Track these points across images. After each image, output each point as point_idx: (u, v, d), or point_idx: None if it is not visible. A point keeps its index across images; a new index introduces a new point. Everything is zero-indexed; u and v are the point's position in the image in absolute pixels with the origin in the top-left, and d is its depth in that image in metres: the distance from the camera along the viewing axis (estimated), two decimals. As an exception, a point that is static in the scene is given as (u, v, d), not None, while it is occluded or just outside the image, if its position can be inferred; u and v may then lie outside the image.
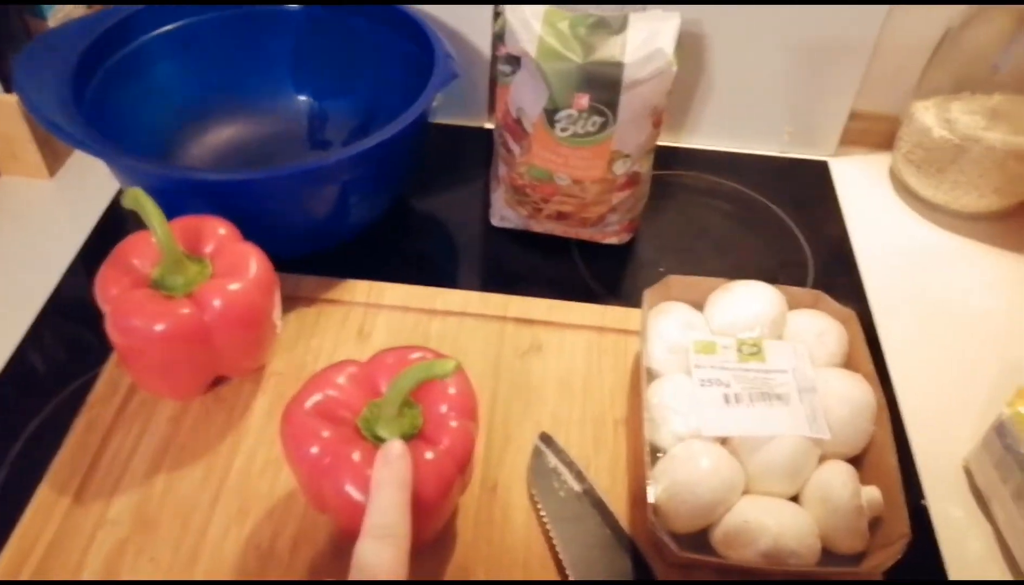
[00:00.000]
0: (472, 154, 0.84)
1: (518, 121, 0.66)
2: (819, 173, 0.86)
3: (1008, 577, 0.55)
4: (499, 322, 0.67)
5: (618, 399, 0.62)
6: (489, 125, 0.87)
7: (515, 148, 0.68)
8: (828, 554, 0.50)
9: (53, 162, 0.79)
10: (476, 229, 0.77)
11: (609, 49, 0.61)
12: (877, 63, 0.80)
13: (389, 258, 0.73)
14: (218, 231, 0.56)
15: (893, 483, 0.51)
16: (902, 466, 0.52)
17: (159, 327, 0.52)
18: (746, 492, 0.52)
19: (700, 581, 0.52)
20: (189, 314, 0.52)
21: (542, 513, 0.55)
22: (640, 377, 0.57)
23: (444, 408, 0.49)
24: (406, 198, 0.79)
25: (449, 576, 0.52)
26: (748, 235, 0.79)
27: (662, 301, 0.61)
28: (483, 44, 0.81)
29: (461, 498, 0.55)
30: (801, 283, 0.74)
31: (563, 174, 0.68)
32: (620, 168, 0.67)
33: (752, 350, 0.56)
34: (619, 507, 0.55)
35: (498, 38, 0.64)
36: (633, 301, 0.61)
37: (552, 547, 0.53)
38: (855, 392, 0.54)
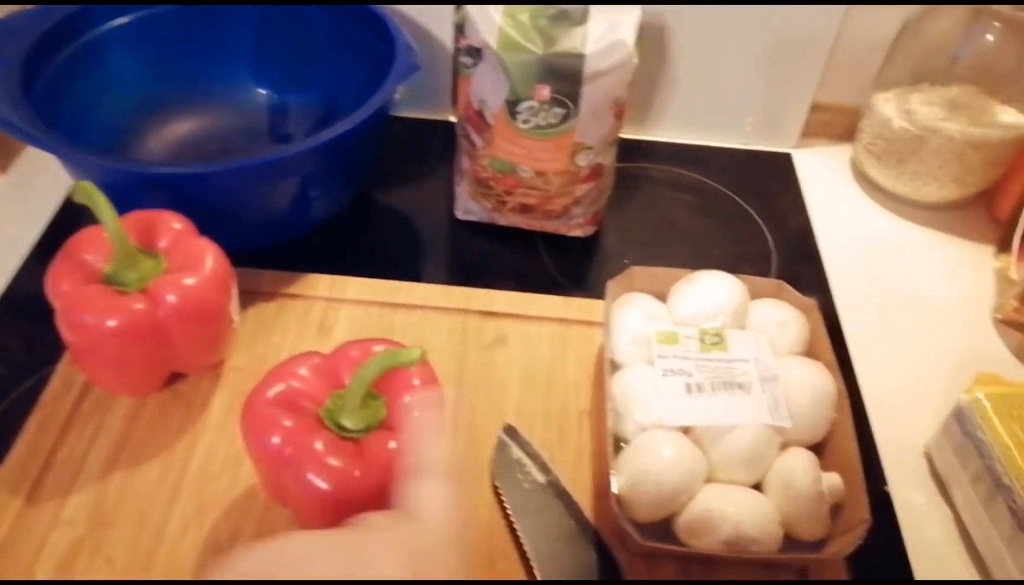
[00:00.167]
0: (436, 147, 0.83)
1: (480, 113, 0.66)
2: (782, 165, 0.87)
3: (967, 561, 0.56)
4: (462, 315, 0.66)
5: (583, 390, 0.62)
6: (453, 118, 0.86)
7: (477, 140, 0.68)
8: (790, 541, 0.50)
9: (5, 157, 0.77)
10: (441, 222, 0.77)
11: (570, 40, 0.61)
12: (838, 55, 0.81)
13: (352, 252, 0.72)
14: (172, 225, 0.55)
15: (854, 470, 0.51)
16: (864, 453, 0.53)
17: (112, 323, 0.51)
18: (709, 481, 0.52)
19: (665, 581, 0.52)
20: (143, 310, 0.51)
21: (506, 505, 0.54)
22: (603, 368, 0.56)
23: (408, 399, 0.48)
24: (369, 191, 0.78)
25: (412, 571, 0.52)
26: (712, 227, 0.79)
27: (626, 292, 0.61)
28: (446, 36, 0.81)
29: (425, 492, 0.55)
30: (765, 273, 0.74)
31: (526, 166, 0.67)
32: (583, 160, 0.67)
33: (714, 340, 0.56)
34: (584, 498, 0.55)
35: (458, 30, 0.64)
36: (598, 293, 0.61)
37: (516, 540, 0.53)
38: (816, 380, 0.54)
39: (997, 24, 0.72)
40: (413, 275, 0.70)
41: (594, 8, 0.62)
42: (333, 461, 0.45)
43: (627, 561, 0.52)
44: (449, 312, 0.66)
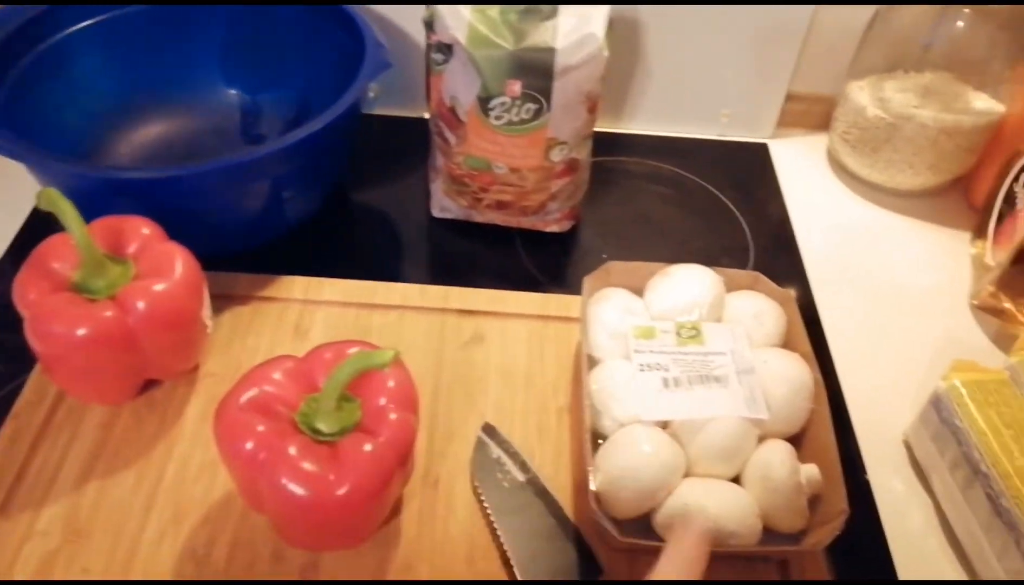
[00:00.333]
0: (412, 145, 0.82)
1: (452, 110, 0.65)
2: (759, 155, 0.87)
3: (947, 549, 0.56)
4: (440, 314, 0.66)
5: (561, 387, 0.62)
6: (428, 115, 0.86)
7: (451, 137, 0.67)
8: (769, 533, 0.50)
9: (-27, 165, 0.76)
10: (417, 221, 0.76)
11: (540, 35, 0.61)
12: (812, 44, 0.81)
13: (328, 253, 0.72)
14: (141, 231, 0.54)
15: (831, 460, 0.51)
16: (844, 442, 0.53)
17: (81, 331, 0.50)
18: (687, 475, 0.52)
19: (642, 581, 0.52)
20: (112, 317, 0.51)
21: (486, 505, 0.54)
22: (581, 365, 0.56)
23: (383, 401, 0.48)
24: (345, 191, 0.78)
25: (393, 573, 0.51)
26: (690, 219, 0.79)
27: (603, 288, 0.61)
28: (420, 33, 0.80)
29: (404, 494, 0.55)
30: (742, 265, 0.74)
31: (500, 163, 0.67)
32: (557, 155, 0.66)
33: (691, 333, 0.56)
34: (564, 495, 0.55)
35: (428, 26, 0.63)
36: (577, 289, 0.61)
37: (496, 539, 0.53)
38: (792, 371, 0.54)
39: (967, 10, 0.73)
40: (390, 275, 0.70)
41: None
42: (307, 465, 0.44)
43: (608, 558, 0.52)
44: (426, 311, 0.66)
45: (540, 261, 0.73)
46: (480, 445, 0.57)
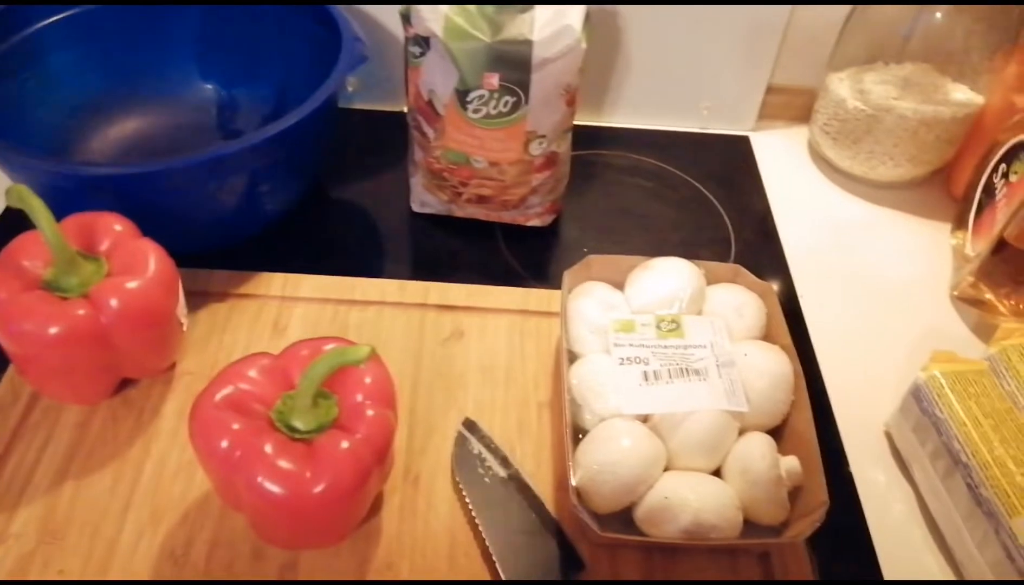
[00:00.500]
0: (391, 139, 0.82)
1: (430, 103, 0.65)
2: (740, 148, 0.86)
3: (928, 539, 0.56)
4: (419, 310, 0.65)
5: (542, 382, 0.61)
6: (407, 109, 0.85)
7: (429, 131, 0.67)
8: (750, 526, 0.50)
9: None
10: (397, 216, 0.76)
11: (517, 27, 0.60)
12: (792, 36, 0.81)
13: (306, 249, 0.71)
14: (113, 227, 0.54)
15: (812, 452, 0.51)
16: (826, 434, 0.53)
17: (53, 330, 0.49)
18: (668, 469, 0.51)
19: (622, 581, 0.52)
20: (85, 315, 0.50)
21: (467, 501, 0.54)
22: (561, 359, 0.56)
23: (360, 397, 0.48)
24: (323, 187, 0.77)
25: (374, 572, 0.51)
26: (671, 212, 0.79)
27: (583, 281, 0.61)
28: (398, 27, 0.79)
29: (385, 490, 0.54)
30: (724, 258, 0.74)
31: (479, 157, 0.66)
32: (536, 149, 0.66)
33: (671, 326, 0.56)
34: (545, 490, 0.55)
35: (405, 19, 0.62)
36: (558, 283, 0.60)
37: (478, 535, 0.52)
38: (773, 364, 0.54)
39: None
40: (369, 271, 0.69)
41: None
42: (283, 463, 0.44)
43: (589, 553, 0.52)
44: (406, 307, 0.65)
45: (522, 255, 0.73)
46: (461, 441, 0.57)
